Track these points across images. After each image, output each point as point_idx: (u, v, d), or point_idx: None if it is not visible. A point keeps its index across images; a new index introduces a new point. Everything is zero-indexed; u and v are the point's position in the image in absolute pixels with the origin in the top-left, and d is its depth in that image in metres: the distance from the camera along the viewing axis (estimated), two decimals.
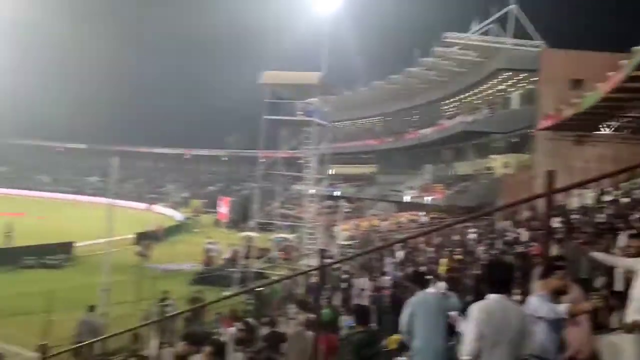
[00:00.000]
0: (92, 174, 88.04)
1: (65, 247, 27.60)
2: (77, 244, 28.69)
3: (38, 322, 13.20)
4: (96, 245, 29.01)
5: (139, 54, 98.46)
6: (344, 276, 15.69)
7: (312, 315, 6.40)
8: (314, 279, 12.00)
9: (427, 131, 50.17)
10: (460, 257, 15.42)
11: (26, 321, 14.26)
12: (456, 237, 20.97)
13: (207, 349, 5.65)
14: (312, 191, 28.91)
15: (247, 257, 25.31)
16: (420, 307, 5.33)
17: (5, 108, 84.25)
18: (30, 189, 79.52)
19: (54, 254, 26.21)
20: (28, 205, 56.68)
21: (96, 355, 10.12)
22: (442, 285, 9.53)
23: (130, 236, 33.38)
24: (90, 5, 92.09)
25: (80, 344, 10.38)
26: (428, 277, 6.61)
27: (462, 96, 48.66)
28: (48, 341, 10.20)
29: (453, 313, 5.35)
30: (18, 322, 14.47)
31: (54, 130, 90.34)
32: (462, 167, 47.61)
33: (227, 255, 28.15)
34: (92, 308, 12.87)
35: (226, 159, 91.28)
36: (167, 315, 9.78)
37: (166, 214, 59.68)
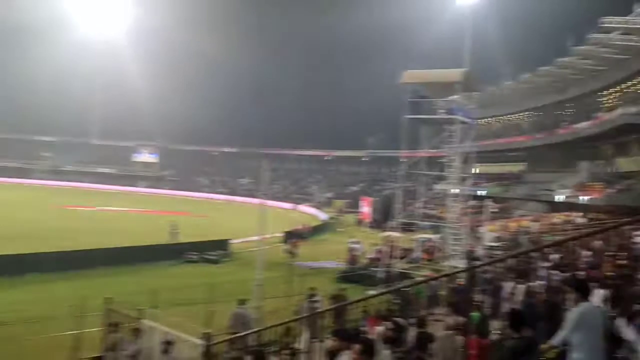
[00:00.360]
0: (244, 176, 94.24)
1: (222, 244, 29.86)
2: (233, 241, 30.89)
3: (200, 312, 14.41)
4: (249, 242, 31.09)
5: (281, 58, 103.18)
6: (491, 277, 15.07)
7: (461, 318, 6.28)
8: (460, 281, 11.69)
9: (582, 125, 46.23)
10: (624, 262, 14.04)
11: (190, 310, 15.63)
12: (619, 240, 19.10)
13: (357, 346, 5.79)
14: (456, 191, 28.16)
15: (390, 257, 25.37)
16: (585, 318, 5.02)
17: (170, 119, 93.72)
18: (191, 190, 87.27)
19: (213, 250, 28.46)
20: (190, 205, 62.32)
21: (250, 346, 10.79)
22: (603, 293, 8.80)
23: (279, 235, 35.18)
24: (232, 14, 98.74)
25: (235, 335, 11.15)
26: (590, 284, 6.15)
27: (623, 85, 44.11)
28: (210, 330, 11.09)
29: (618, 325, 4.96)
30: (183, 311, 15.92)
31: (210, 136, 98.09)
32: (625, 164, 43.13)
33: (371, 254, 28.47)
34: (242, 302, 13.75)
35: (367, 159, 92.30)
36: (316, 311, 10.17)
37: (311, 213, 61.80)
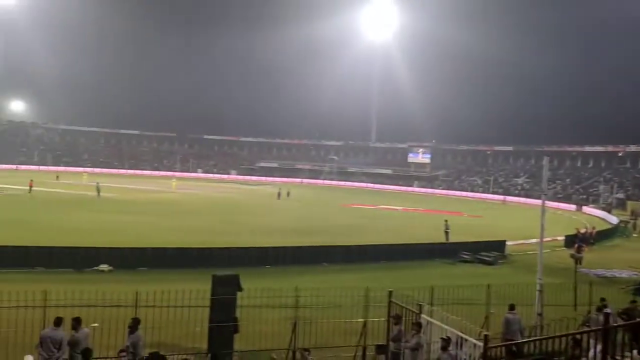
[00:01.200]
0: (519, 175, 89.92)
1: (498, 245, 29.09)
2: (509, 243, 29.88)
3: (475, 312, 14.32)
4: (526, 245, 29.71)
5: (559, 49, 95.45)
6: None
7: None
8: None
9: None
10: None
11: (465, 310, 15.67)
12: None
13: None
14: None
15: None
16: None
17: (442, 120, 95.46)
18: (464, 190, 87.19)
19: (488, 251, 27.93)
20: (464, 205, 62.31)
21: (531, 354, 10.34)
22: None
23: (560, 238, 32.86)
24: (500, 9, 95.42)
25: (516, 342, 10.76)
26: None
27: None
28: (489, 332, 10.98)
29: None
30: (458, 310, 16.05)
31: (483, 135, 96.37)
32: None
33: None
34: (512, 307, 13.22)
35: None
36: (610, 325, 9.24)
37: (597, 216, 55.95)
